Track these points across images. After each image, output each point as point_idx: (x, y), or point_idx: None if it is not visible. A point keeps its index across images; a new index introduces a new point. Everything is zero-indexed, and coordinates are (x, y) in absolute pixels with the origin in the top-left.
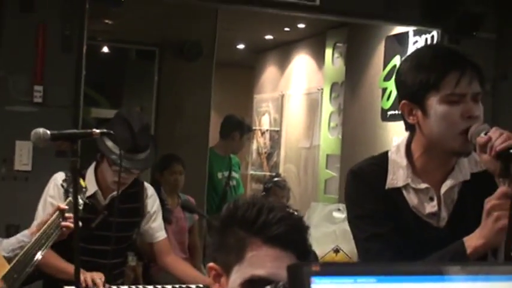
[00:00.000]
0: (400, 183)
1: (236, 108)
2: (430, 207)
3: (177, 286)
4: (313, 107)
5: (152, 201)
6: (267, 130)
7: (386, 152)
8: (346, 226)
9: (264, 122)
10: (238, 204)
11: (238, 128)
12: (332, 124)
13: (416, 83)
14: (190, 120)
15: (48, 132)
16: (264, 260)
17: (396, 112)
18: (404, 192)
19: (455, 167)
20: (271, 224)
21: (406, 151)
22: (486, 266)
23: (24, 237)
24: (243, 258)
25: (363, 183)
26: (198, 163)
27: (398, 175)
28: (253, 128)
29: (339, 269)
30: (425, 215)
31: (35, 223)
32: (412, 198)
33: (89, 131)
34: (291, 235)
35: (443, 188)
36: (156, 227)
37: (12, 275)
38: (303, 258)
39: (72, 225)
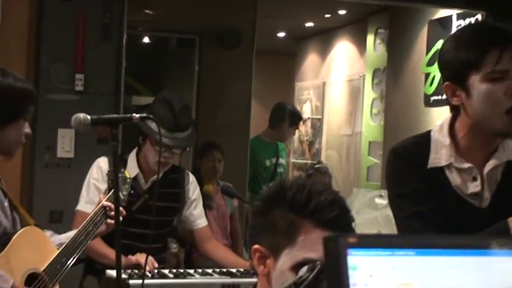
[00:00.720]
0: (443, 163)
1: (277, 97)
2: (473, 186)
3: (217, 270)
4: (355, 94)
5: (193, 188)
6: (308, 118)
7: (429, 132)
8: (388, 212)
9: (305, 110)
10: (286, 185)
11: (288, 117)
12: (374, 111)
13: (457, 63)
14: (231, 108)
15: (89, 117)
16: (316, 243)
17: (440, 97)
18: (446, 171)
19: (499, 147)
20: (323, 207)
21: (449, 130)
22: None
23: (73, 233)
24: (294, 241)
25: (405, 162)
26: (239, 151)
27: (441, 154)
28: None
29: (376, 241)
30: (467, 195)
31: (80, 205)
32: (454, 178)
33: (128, 115)
34: (342, 218)
35: (487, 168)
36: (196, 214)
37: (55, 266)
38: None
39: (121, 218)
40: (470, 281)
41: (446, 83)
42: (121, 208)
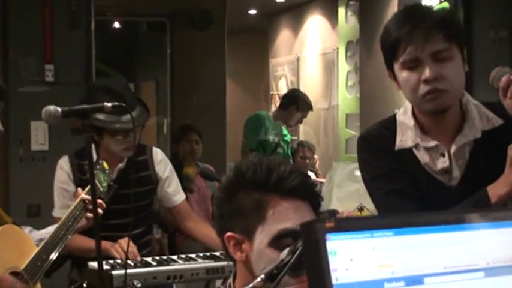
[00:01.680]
0: (409, 144)
1: (252, 74)
2: (442, 162)
3: (201, 254)
4: (330, 67)
5: (164, 166)
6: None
7: (394, 115)
8: None
9: (281, 86)
10: (243, 167)
11: (297, 103)
12: (349, 83)
13: (384, 52)
14: (206, 89)
15: (59, 109)
16: (287, 213)
17: None
18: (415, 150)
19: (464, 125)
20: (284, 177)
21: (412, 112)
22: (504, 212)
23: (53, 228)
24: (264, 217)
25: (374, 146)
26: (217, 132)
27: (407, 136)
28: (272, 92)
29: (354, 223)
30: (437, 172)
31: (55, 212)
32: (423, 156)
33: (100, 105)
34: (305, 185)
35: (453, 147)
36: (172, 191)
37: (36, 263)
38: (317, 207)
39: (100, 210)
40: (451, 257)
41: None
42: (101, 201)
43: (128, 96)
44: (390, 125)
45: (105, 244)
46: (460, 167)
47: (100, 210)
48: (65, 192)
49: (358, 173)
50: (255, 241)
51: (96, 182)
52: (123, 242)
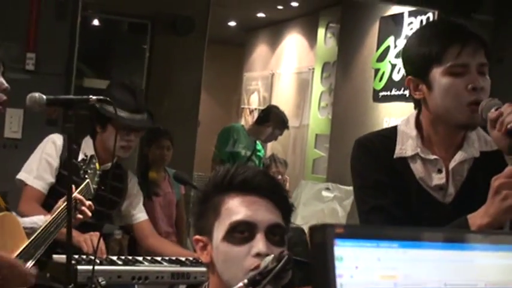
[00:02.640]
0: (409, 153)
1: (226, 86)
2: (438, 178)
3: (166, 258)
4: (304, 87)
5: (134, 184)
6: (255, 109)
7: (395, 126)
8: (334, 205)
9: (253, 101)
10: (211, 176)
11: (274, 121)
12: (322, 104)
13: (420, 57)
14: (180, 95)
15: (44, 97)
16: (239, 206)
17: (388, 93)
18: (411, 163)
19: (464, 143)
20: (238, 174)
21: (416, 123)
22: (506, 236)
23: (38, 221)
24: (219, 213)
25: (369, 153)
26: (187, 138)
27: (407, 145)
28: (243, 106)
29: (362, 231)
30: (431, 187)
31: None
32: (419, 169)
33: (85, 97)
34: (260, 179)
35: (453, 163)
36: (137, 208)
37: (23, 257)
38: (283, 207)
39: (89, 213)
40: (452, 275)
41: (409, 77)
42: (90, 202)
43: (139, 99)
44: (390, 134)
45: (75, 234)
46: (456, 184)
47: (89, 213)
48: (48, 165)
49: (325, 193)
50: (213, 239)
51: (88, 181)
52: (95, 236)
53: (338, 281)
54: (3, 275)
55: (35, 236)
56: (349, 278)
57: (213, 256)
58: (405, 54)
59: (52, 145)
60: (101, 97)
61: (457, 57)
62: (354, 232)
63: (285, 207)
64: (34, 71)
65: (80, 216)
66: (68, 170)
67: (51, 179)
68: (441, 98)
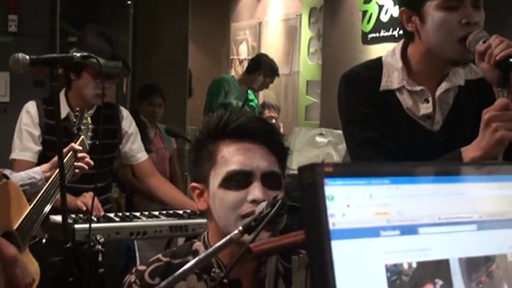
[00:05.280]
0: (395, 85)
1: (213, 38)
2: (425, 108)
3: (164, 212)
4: (292, 33)
5: (129, 122)
6: (245, 59)
7: (380, 57)
8: (329, 150)
9: (241, 51)
10: (204, 123)
11: (264, 69)
12: (312, 50)
13: None
14: (168, 50)
15: (27, 57)
16: (234, 155)
17: (377, 35)
18: (398, 94)
19: (449, 72)
20: (232, 120)
21: (402, 55)
22: (499, 166)
23: (35, 174)
24: (215, 161)
25: (355, 86)
26: (177, 92)
27: (393, 77)
28: (232, 57)
29: (352, 169)
30: (419, 117)
31: (15, 154)
32: (406, 100)
33: (69, 55)
34: (254, 125)
35: (439, 91)
36: (136, 148)
37: (27, 223)
38: (279, 151)
39: (86, 166)
40: (446, 208)
41: (402, 8)
42: (88, 158)
43: (114, 45)
44: (376, 65)
45: (71, 199)
46: (443, 112)
47: (86, 166)
48: (29, 135)
49: (319, 139)
50: (210, 186)
51: (83, 137)
52: (88, 196)
53: (330, 220)
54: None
55: (36, 201)
56: (341, 216)
57: (210, 203)
58: None
59: (27, 115)
60: (85, 54)
61: None
62: (344, 170)
63: (281, 151)
64: (17, 32)
65: (77, 170)
66: (57, 128)
67: (38, 147)
68: (433, 32)
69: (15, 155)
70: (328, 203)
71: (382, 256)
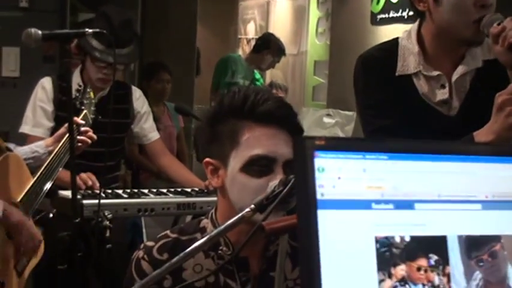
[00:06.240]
0: (411, 70)
1: (221, 17)
2: (441, 94)
3: (172, 189)
4: (300, 13)
5: (141, 103)
6: (252, 38)
7: (397, 39)
8: (336, 131)
9: (249, 30)
10: (224, 96)
11: (270, 47)
12: (320, 30)
13: None
14: (176, 27)
15: (40, 32)
16: (259, 139)
17: (386, 16)
18: (414, 79)
19: (466, 54)
20: (259, 103)
21: (417, 37)
22: (508, 147)
23: (39, 147)
24: (238, 142)
25: (371, 70)
26: (185, 71)
27: (409, 61)
28: (239, 36)
29: (346, 143)
30: (435, 102)
31: (27, 129)
32: (422, 85)
33: (81, 30)
34: (281, 111)
35: (455, 76)
36: (148, 128)
37: (31, 196)
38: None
39: (89, 140)
40: (447, 186)
41: None
42: (91, 132)
43: (123, 33)
44: (392, 48)
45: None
46: (460, 97)
47: (88, 140)
48: (42, 111)
49: (326, 119)
50: (229, 167)
51: (86, 112)
52: (87, 177)
53: (318, 190)
54: (21, 239)
55: (40, 174)
56: (331, 188)
57: (226, 182)
58: None
59: (42, 90)
60: (97, 30)
61: None
62: (337, 144)
63: (299, 135)
64: (28, 8)
65: (79, 144)
66: (68, 104)
67: (50, 124)
68: (448, 12)
69: (27, 129)
70: (318, 174)
71: (373, 228)
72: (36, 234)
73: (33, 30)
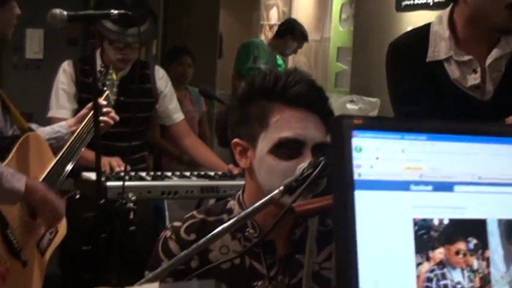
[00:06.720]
0: (442, 56)
1: (244, 2)
2: (473, 79)
3: (195, 173)
4: None
5: (165, 82)
6: (275, 24)
7: (429, 24)
8: None
9: (272, 16)
10: (254, 77)
11: (293, 33)
12: (343, 16)
13: None
14: (199, 12)
15: (65, 12)
16: (289, 122)
17: (411, 2)
18: (445, 64)
19: (501, 38)
20: (290, 85)
21: (449, 22)
22: None
23: (61, 128)
24: (268, 124)
25: (402, 57)
26: (208, 56)
27: (440, 47)
28: (262, 22)
29: (384, 123)
30: (467, 88)
31: (52, 112)
32: (453, 71)
33: (106, 12)
34: (312, 94)
35: (489, 60)
36: (173, 109)
37: (53, 175)
38: (328, 121)
39: (111, 121)
40: (488, 168)
41: None
42: (113, 113)
43: (135, 11)
44: (424, 34)
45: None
46: (494, 81)
47: (111, 121)
48: (65, 93)
49: (349, 106)
50: (257, 148)
51: (108, 92)
52: (114, 160)
53: (356, 170)
54: (46, 215)
55: (62, 154)
56: (368, 168)
57: (254, 164)
58: None
59: (64, 73)
60: (122, 11)
61: None
62: (375, 124)
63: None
64: None
65: (101, 124)
66: (93, 83)
67: (74, 106)
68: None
69: (51, 113)
70: (355, 154)
71: (411, 210)
72: (60, 209)
73: (58, 10)
